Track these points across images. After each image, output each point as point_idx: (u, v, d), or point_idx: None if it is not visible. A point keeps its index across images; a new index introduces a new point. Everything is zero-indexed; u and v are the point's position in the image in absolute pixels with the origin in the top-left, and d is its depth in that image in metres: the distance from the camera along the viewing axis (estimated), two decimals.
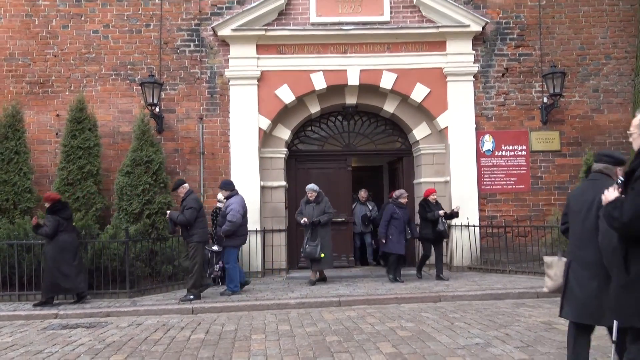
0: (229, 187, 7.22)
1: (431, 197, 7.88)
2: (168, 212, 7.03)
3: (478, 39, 8.83)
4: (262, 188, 8.74)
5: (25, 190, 7.78)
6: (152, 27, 8.81)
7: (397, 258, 7.68)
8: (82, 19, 8.79)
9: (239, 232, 7.04)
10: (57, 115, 8.64)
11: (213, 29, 8.68)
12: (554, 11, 8.92)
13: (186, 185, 7.00)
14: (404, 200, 7.77)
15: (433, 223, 7.70)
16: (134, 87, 8.71)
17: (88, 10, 8.81)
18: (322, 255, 7.50)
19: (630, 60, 8.80)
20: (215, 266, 7.60)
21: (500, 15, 8.90)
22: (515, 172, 8.81)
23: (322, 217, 7.60)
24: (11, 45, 8.74)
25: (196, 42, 8.82)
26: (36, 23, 8.77)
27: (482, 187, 8.77)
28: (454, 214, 7.83)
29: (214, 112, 8.79)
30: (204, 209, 7.08)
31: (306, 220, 7.59)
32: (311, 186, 7.83)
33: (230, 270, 7.05)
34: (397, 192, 7.91)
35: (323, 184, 9.18)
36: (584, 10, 8.91)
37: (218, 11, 8.83)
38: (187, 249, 6.88)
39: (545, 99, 8.73)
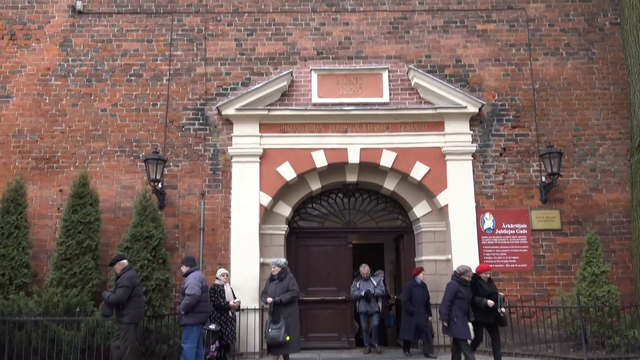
0: (189, 263, 7.05)
1: (484, 275, 7.18)
2: (103, 292, 6.73)
3: (475, 120, 9.07)
4: (262, 265, 8.63)
5: (22, 265, 7.70)
6: (159, 106, 9.10)
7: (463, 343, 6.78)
8: (92, 98, 9.10)
9: (198, 308, 6.69)
10: (60, 191, 8.72)
11: (218, 108, 8.96)
12: (548, 94, 9.23)
13: (124, 261, 6.84)
14: (468, 278, 6.99)
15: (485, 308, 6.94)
16: (138, 164, 8.85)
17: (98, 90, 9.14)
18: (287, 338, 6.75)
19: (624, 142, 8.99)
20: (212, 346, 7.34)
21: (496, 97, 9.21)
22: (517, 250, 8.74)
23: (283, 296, 6.91)
24: (21, 122, 8.99)
25: (201, 121, 9.07)
26: (47, 101, 9.07)
27: None
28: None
29: (216, 189, 8.87)
30: (140, 288, 6.81)
31: (269, 300, 6.96)
32: (275, 260, 7.44)
33: (186, 350, 6.59)
34: (460, 268, 7.06)
35: (323, 261, 9.13)
36: (577, 93, 9.23)
37: (223, 92, 9.15)
38: (119, 330, 6.56)
39: (543, 178, 8.83)
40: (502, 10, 9.50)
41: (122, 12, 9.41)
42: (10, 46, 9.26)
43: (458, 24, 9.44)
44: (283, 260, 7.49)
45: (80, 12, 9.35)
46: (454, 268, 8.16)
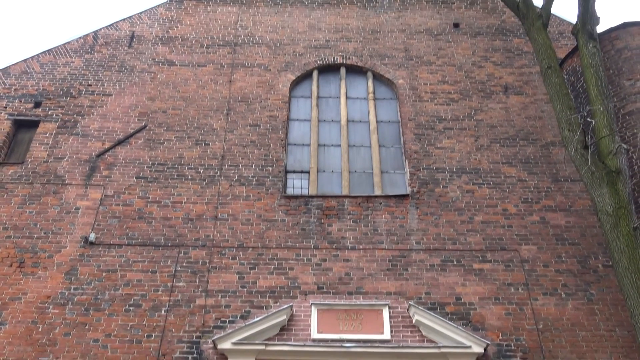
0: None
1: None
2: None
3: None
4: None
5: None
6: (153, 337, 8.83)
7: None
8: (86, 327, 8.89)
9: None
10: None
11: (214, 341, 8.67)
12: (553, 335, 9.00)
13: None
14: None
15: None
16: None
17: (94, 319, 8.98)
18: None
19: None
20: None
21: (500, 337, 8.96)
22: None
23: None
24: (8, 351, 8.61)
25: (195, 355, 8.68)
26: (39, 330, 8.84)
27: None
28: None
29: None
30: None
31: None
32: None
33: None
34: None
35: None
36: (582, 335, 9.00)
37: (221, 325, 8.98)
38: None
39: None
40: (496, 251, 9.89)
41: (132, 244, 9.83)
42: (16, 273, 9.43)
43: (455, 262, 9.75)
44: None
45: (92, 243, 9.77)
46: None
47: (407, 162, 11.14)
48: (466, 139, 11.39)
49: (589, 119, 9.62)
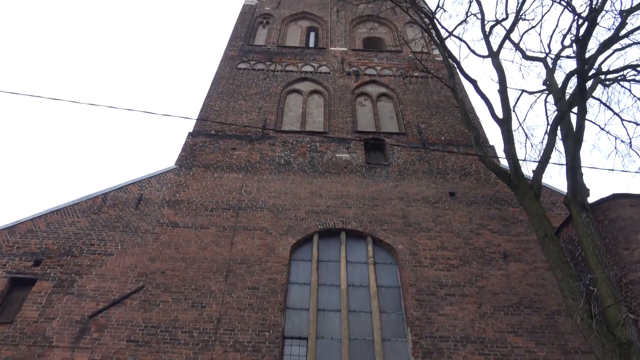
0: None
1: None
2: None
3: None
4: None
5: None
6: None
7: None
8: None
9: None
10: None
11: None
12: None
13: None
14: None
15: None
16: None
17: None
18: None
19: None
20: None
21: None
22: None
23: None
24: None
25: None
26: None
27: None
28: None
29: None
30: None
31: None
32: None
33: None
34: None
35: None
36: None
37: None
38: None
39: None
40: None
41: None
42: None
43: None
44: None
45: None
46: None
47: (409, 330, 10.75)
48: (469, 305, 11.13)
49: (591, 287, 9.51)
